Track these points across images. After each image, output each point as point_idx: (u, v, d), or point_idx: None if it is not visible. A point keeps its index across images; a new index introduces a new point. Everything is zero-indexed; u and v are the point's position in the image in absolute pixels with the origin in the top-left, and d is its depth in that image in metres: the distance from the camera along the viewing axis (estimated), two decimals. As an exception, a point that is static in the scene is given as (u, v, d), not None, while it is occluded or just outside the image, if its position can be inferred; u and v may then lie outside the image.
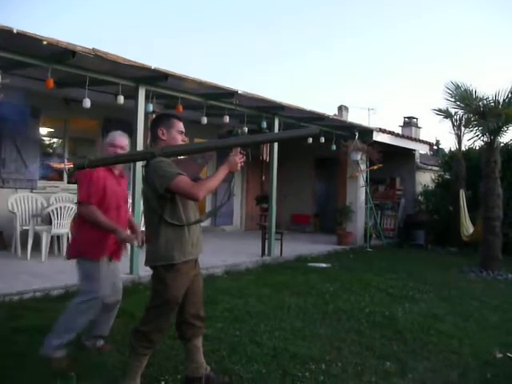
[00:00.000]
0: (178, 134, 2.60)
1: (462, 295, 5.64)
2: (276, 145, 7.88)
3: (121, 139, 3.27)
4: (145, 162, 2.52)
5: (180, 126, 2.63)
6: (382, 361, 3.38)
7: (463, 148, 10.53)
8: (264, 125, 7.82)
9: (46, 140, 9.09)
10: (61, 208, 6.33)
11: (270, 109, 7.70)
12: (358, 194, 10.08)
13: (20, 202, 6.97)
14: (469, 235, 8.96)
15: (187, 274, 2.53)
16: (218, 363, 3.10)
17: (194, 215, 2.57)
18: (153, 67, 5.44)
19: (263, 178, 11.01)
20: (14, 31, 4.19)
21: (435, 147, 12.83)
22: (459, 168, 10.17)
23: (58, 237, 6.76)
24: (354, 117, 13.76)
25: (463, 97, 7.81)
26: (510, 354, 3.59)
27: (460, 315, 4.71)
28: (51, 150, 9.29)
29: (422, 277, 6.68)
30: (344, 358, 3.38)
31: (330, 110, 11.72)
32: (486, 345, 3.82)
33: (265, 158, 8.22)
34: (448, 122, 9.92)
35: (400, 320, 4.41)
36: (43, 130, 8.50)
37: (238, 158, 2.48)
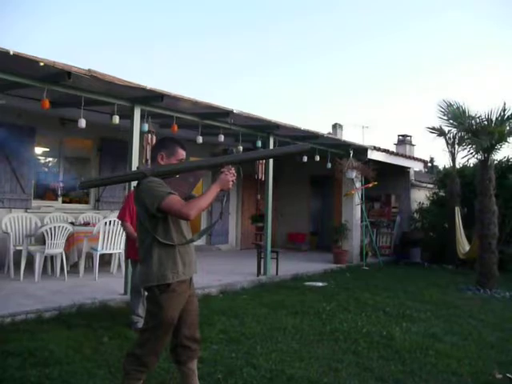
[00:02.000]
0: (177, 162, 2.59)
1: (460, 314, 5.59)
2: (271, 163, 7.90)
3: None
4: (136, 182, 2.51)
5: (182, 154, 2.62)
6: (380, 382, 3.32)
7: (457, 165, 10.63)
8: (259, 144, 7.86)
9: (41, 159, 9.08)
10: (55, 228, 6.28)
11: (265, 128, 7.75)
12: (354, 211, 10.08)
13: (14, 222, 6.91)
14: (465, 253, 8.95)
15: (182, 294, 2.49)
16: (213, 387, 3.04)
17: (187, 234, 2.55)
18: (148, 87, 5.48)
19: (258, 196, 11.01)
20: (11, 53, 4.22)
21: (429, 165, 12.91)
22: (454, 185, 10.23)
23: (52, 257, 6.69)
24: (348, 135, 13.88)
25: (456, 115, 7.89)
26: (509, 375, 3.54)
27: (458, 334, 4.67)
28: (46, 170, 9.27)
29: (418, 295, 6.64)
30: (342, 380, 3.33)
31: (325, 129, 11.79)
32: (485, 365, 3.78)
33: (260, 177, 8.23)
34: (442, 140, 10.04)
35: (398, 340, 4.37)
36: (38, 150, 8.49)
37: (229, 176, 2.48)
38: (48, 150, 8.85)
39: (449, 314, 5.59)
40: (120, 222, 4.73)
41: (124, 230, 4.67)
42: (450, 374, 3.55)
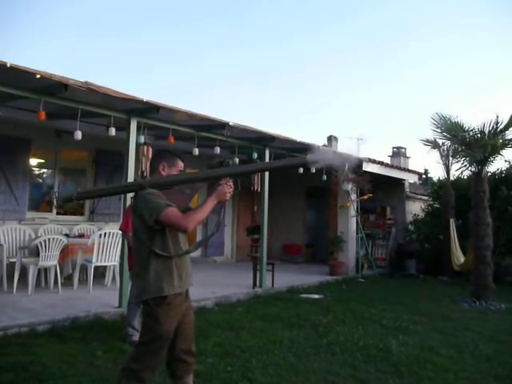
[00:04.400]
0: (177, 172, 2.64)
1: (456, 326, 5.58)
2: (267, 175, 7.92)
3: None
4: (134, 193, 2.52)
5: (181, 166, 2.68)
6: (377, 396, 3.30)
7: (452, 177, 10.70)
8: (255, 155, 7.88)
9: (36, 171, 9.06)
10: (49, 240, 6.23)
11: (261, 140, 7.78)
12: (349, 223, 10.10)
13: (7, 234, 6.86)
14: (460, 264, 8.97)
15: (179, 307, 2.48)
16: (209, 401, 3.00)
17: (183, 246, 2.54)
18: (144, 99, 5.50)
19: (254, 208, 11.01)
20: (8, 65, 4.23)
21: (424, 176, 13.00)
22: (448, 197, 10.29)
23: (46, 269, 6.63)
24: (343, 147, 13.96)
25: (449, 128, 7.98)
26: (506, 388, 3.53)
27: (455, 347, 4.66)
28: (41, 181, 9.24)
29: (415, 308, 6.63)
30: (339, 394, 3.30)
31: (320, 141, 11.86)
32: (482, 378, 3.76)
33: (256, 189, 8.23)
34: (436, 152, 10.13)
35: (395, 353, 4.35)
36: (33, 161, 8.47)
37: (226, 188, 2.48)
38: (43, 161, 8.83)
39: (445, 326, 5.58)
40: (122, 233, 4.74)
41: (127, 241, 4.68)
42: (447, 387, 3.53)
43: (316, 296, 7.28)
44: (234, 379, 3.48)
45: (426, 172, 13.54)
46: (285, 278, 8.37)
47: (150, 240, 2.42)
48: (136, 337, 4.00)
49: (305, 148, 8.47)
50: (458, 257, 9.11)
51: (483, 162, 7.57)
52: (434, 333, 5.23)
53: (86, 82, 4.92)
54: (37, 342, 4.22)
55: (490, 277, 7.40)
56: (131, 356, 2.49)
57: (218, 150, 7.51)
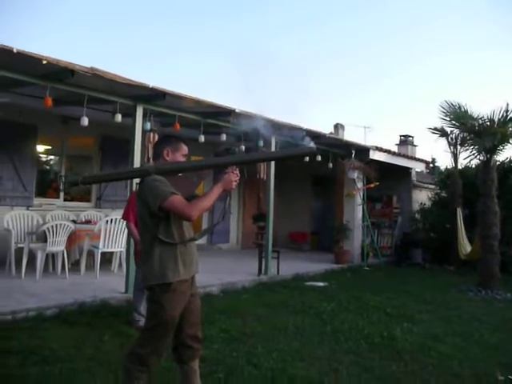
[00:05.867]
0: (182, 157, 2.61)
1: (461, 315, 5.58)
2: (273, 163, 7.89)
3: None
4: (139, 179, 2.51)
5: (186, 150, 2.65)
6: (381, 382, 3.32)
7: (459, 166, 10.61)
8: (261, 143, 7.85)
9: (44, 157, 9.10)
10: (56, 226, 6.28)
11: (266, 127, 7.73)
12: (355, 212, 10.07)
13: (16, 220, 6.92)
14: (467, 254, 8.93)
15: (183, 294, 2.48)
16: (214, 386, 3.03)
17: (188, 233, 2.54)
18: (150, 86, 5.47)
19: (260, 196, 11.00)
20: (14, 50, 4.22)
21: (431, 165, 12.89)
22: (456, 186, 10.20)
23: (53, 255, 6.69)
24: (350, 135, 13.88)
25: (458, 116, 7.88)
26: (511, 377, 3.53)
27: (460, 336, 4.66)
28: (48, 168, 9.29)
29: (420, 296, 6.63)
30: (343, 380, 3.32)
31: (326, 128, 11.77)
32: (487, 366, 3.77)
33: (262, 177, 8.22)
34: (444, 141, 10.02)
35: (399, 340, 4.36)
36: (40, 148, 8.50)
37: (233, 177, 2.46)
38: (50, 147, 8.86)
39: (450, 315, 5.58)
40: (125, 222, 4.71)
41: (128, 231, 4.71)
42: (451, 375, 3.54)
43: (321, 284, 7.30)
44: (240, 364, 3.51)
45: (434, 161, 13.39)
46: (290, 266, 8.39)
47: (154, 226, 2.42)
48: (142, 322, 4.04)
49: (311, 135, 8.41)
50: (465, 246, 9.07)
51: (492, 150, 7.49)
52: (439, 321, 5.24)
53: (91, 68, 4.90)
54: (45, 326, 4.28)
55: (496, 266, 7.37)
56: (137, 341, 2.51)
57: (224, 137, 7.48)
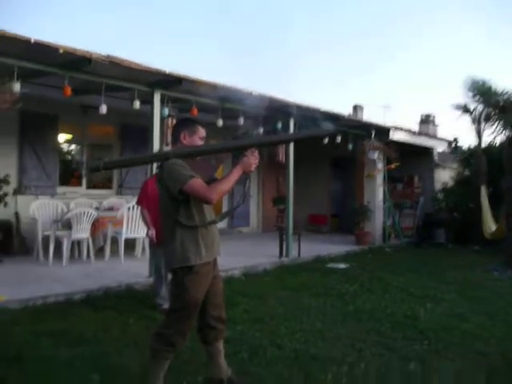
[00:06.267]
0: (199, 140, 2.62)
1: (487, 294, 5.51)
2: (292, 146, 7.84)
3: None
4: (159, 163, 2.53)
5: (203, 132, 2.65)
6: (404, 362, 3.32)
7: (483, 144, 10.32)
8: (279, 126, 7.80)
9: (65, 146, 9.25)
10: (80, 213, 6.42)
11: (285, 109, 7.66)
12: (376, 193, 9.97)
13: (41, 208, 7.09)
14: (492, 233, 8.75)
15: (206, 276, 2.52)
16: (239, 365, 3.08)
17: (209, 216, 2.56)
18: (167, 71, 5.48)
19: (279, 179, 10.98)
20: (32, 41, 4.27)
21: (453, 145, 12.60)
22: (480, 163, 9.93)
23: (79, 242, 6.86)
24: (369, 115, 13.64)
25: (482, 91, 7.68)
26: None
27: (485, 315, 4.60)
28: (70, 157, 9.45)
29: (443, 276, 6.57)
30: (366, 360, 3.34)
31: (345, 110, 11.60)
32: (512, 345, 3.72)
33: (281, 159, 8.19)
34: (467, 118, 9.75)
35: (422, 320, 4.34)
36: (61, 137, 8.64)
37: (252, 159, 2.46)
38: (71, 137, 9.00)
39: (475, 294, 5.51)
40: (139, 208, 4.84)
41: (141, 216, 4.79)
42: (476, 354, 3.51)
43: (342, 265, 7.30)
44: (263, 345, 3.56)
45: (456, 140, 13.01)
46: (311, 248, 8.40)
47: (175, 210, 2.45)
48: (166, 305, 4.12)
49: (330, 117, 8.32)
50: (490, 225, 8.88)
51: (518, 126, 7.27)
52: (463, 301, 5.19)
53: (108, 56, 4.93)
54: (73, 310, 4.42)
55: (522, 245, 7.21)
56: (163, 322, 2.57)
57: (241, 120, 7.45)
